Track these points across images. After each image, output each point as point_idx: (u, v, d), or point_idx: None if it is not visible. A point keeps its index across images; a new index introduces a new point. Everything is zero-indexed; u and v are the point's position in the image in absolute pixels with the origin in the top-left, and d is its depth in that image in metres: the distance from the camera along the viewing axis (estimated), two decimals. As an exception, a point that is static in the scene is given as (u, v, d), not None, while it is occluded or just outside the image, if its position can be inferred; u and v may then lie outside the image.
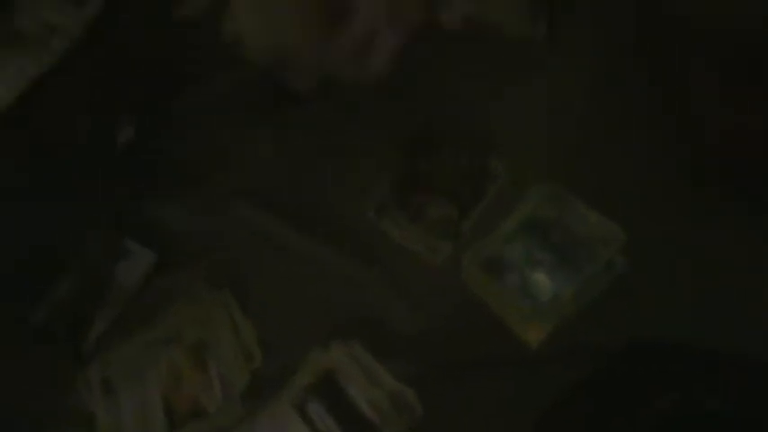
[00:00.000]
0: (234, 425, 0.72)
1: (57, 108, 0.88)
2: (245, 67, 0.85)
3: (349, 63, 0.68)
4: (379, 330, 0.74)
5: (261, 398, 0.73)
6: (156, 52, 0.91)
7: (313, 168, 0.83)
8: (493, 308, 0.73)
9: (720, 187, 0.72)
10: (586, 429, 0.65)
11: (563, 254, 0.74)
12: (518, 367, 0.71)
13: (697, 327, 0.67)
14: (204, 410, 0.73)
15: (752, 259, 0.70)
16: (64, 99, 0.88)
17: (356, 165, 0.82)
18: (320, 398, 0.72)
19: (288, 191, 0.82)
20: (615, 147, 0.78)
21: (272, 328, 0.76)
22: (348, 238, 0.79)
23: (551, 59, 0.82)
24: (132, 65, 0.90)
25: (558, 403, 0.66)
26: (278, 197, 0.82)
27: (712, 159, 0.73)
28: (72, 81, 0.88)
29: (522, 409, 0.67)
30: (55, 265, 0.83)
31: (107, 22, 0.88)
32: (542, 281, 0.73)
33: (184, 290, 0.80)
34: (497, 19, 0.82)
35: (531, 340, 0.71)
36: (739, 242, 0.70)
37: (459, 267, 0.75)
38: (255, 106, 0.87)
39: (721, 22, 0.69)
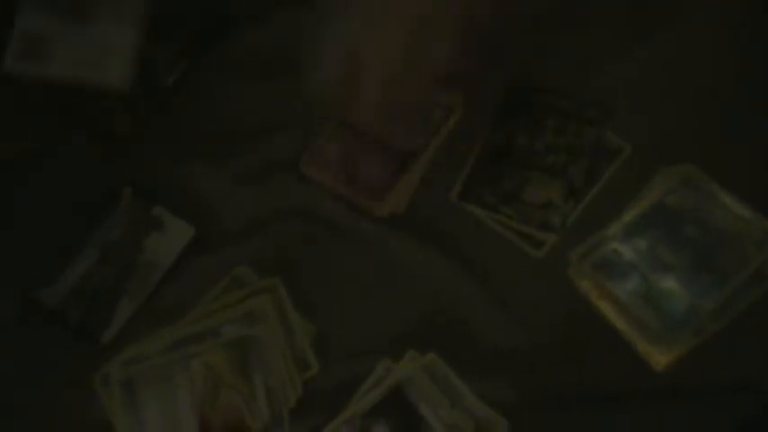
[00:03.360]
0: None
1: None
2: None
3: None
4: (463, 340, 0.60)
5: (314, 417, 0.59)
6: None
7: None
8: (608, 319, 0.59)
9: None
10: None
11: (700, 255, 0.59)
12: (638, 399, 0.56)
13: None
14: (246, 428, 0.59)
15: None
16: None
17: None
18: (386, 419, 0.58)
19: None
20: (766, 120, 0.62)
21: (330, 331, 0.62)
22: (426, 225, 0.64)
23: (686, 9, 0.67)
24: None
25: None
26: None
27: None
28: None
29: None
30: (76, 238, 0.69)
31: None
32: (673, 289, 0.58)
33: (225, 275, 0.65)
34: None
35: (657, 364, 0.57)
36: None
37: (566, 264, 0.60)
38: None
39: None
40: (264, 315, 0.63)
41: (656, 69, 0.66)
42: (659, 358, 0.57)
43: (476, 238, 0.63)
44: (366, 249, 0.64)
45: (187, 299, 0.65)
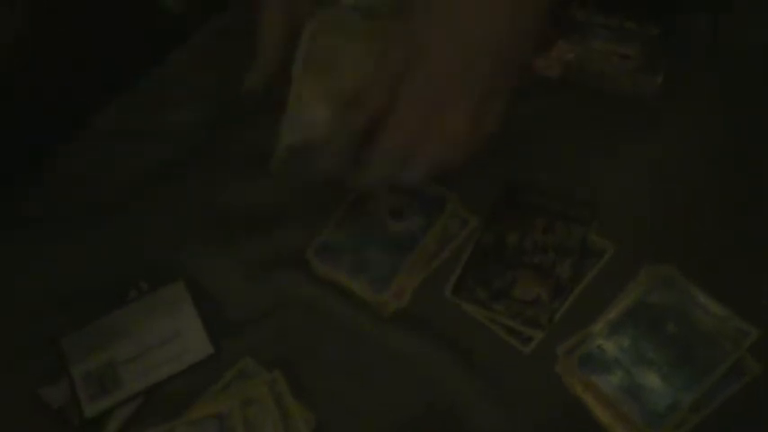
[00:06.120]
0: None
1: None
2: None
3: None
4: (458, 431, 0.62)
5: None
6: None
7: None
8: (593, 412, 0.62)
9: None
10: None
11: (680, 352, 0.62)
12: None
13: None
14: None
15: None
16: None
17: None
18: None
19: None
20: (744, 222, 0.66)
21: (330, 421, 0.64)
22: (422, 319, 0.67)
23: (666, 116, 0.71)
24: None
25: None
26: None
27: None
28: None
29: None
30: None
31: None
32: (655, 384, 0.61)
33: (227, 364, 0.68)
34: (602, 69, 0.71)
35: (641, 456, 0.59)
36: None
37: (554, 359, 0.64)
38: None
39: None
40: (263, 406, 0.66)
41: (639, 170, 0.70)
42: (641, 451, 0.59)
43: (469, 333, 0.66)
44: (365, 341, 0.67)
45: (192, 389, 0.67)
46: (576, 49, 0.72)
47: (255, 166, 0.72)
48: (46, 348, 0.68)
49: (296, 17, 0.61)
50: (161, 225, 0.75)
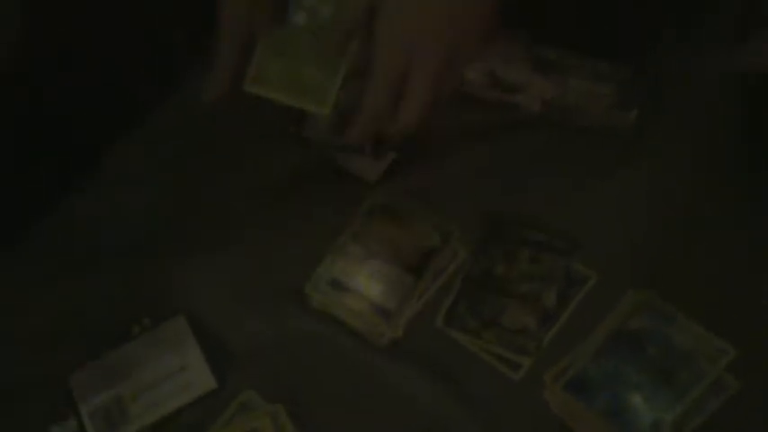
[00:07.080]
0: None
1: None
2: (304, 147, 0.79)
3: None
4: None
5: None
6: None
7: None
8: (581, 435, 0.64)
9: None
10: None
11: (661, 372, 0.64)
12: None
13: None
14: None
15: None
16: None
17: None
18: None
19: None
20: (719, 247, 0.69)
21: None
22: (414, 350, 0.70)
23: (642, 149, 0.74)
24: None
25: None
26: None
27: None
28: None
29: None
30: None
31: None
32: (638, 404, 0.63)
33: (229, 398, 0.70)
34: (579, 104, 0.75)
35: (627, 475, 0.62)
36: None
37: (541, 385, 0.66)
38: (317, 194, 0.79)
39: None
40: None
41: (618, 201, 0.73)
42: (627, 470, 0.62)
43: (460, 361, 0.69)
44: (362, 372, 0.69)
45: (196, 423, 0.70)
46: (555, 86, 0.76)
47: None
48: (54, 386, 0.70)
49: (251, 35, 0.65)
50: (164, 254, 0.77)
